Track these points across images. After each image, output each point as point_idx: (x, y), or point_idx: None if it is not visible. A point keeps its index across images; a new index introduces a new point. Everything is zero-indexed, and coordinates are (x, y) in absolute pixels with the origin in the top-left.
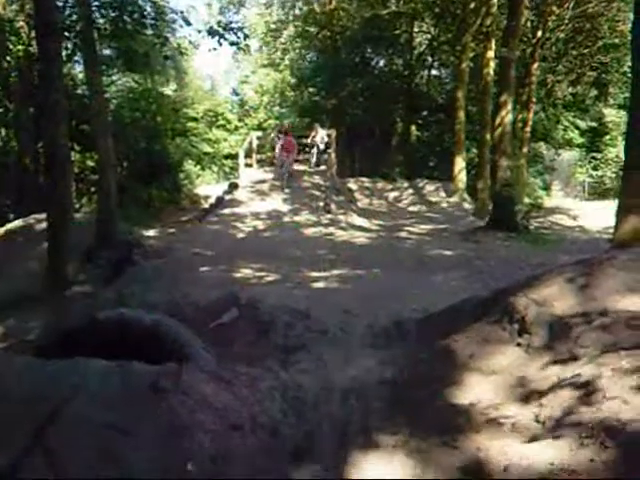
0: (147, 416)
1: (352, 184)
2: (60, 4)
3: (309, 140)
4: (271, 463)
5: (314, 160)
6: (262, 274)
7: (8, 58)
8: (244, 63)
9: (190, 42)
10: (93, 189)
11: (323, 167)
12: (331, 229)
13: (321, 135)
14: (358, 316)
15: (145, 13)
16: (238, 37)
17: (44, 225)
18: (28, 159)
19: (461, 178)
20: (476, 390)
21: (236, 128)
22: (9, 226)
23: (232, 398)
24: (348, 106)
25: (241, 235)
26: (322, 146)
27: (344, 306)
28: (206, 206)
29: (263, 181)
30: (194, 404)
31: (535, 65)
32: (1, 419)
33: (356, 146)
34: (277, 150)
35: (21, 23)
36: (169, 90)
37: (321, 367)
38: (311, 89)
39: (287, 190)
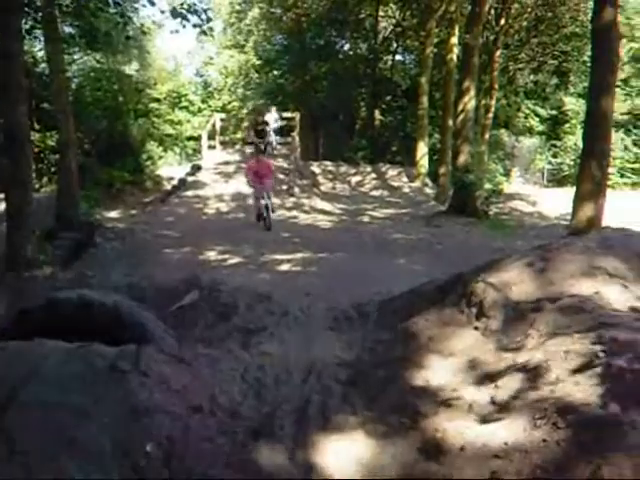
0: (106, 397)
1: (315, 168)
2: None
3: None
4: (231, 444)
5: (264, 146)
6: (225, 256)
7: None
8: (208, 44)
9: (153, 22)
10: (53, 169)
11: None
12: (294, 212)
13: (274, 117)
14: (320, 298)
15: None
16: (201, 19)
17: (4, 205)
18: None
19: (423, 163)
20: (434, 372)
21: (199, 110)
22: None
23: (192, 379)
24: (312, 89)
25: (204, 217)
26: (275, 125)
27: (306, 289)
28: (169, 188)
29: (226, 163)
30: (153, 385)
31: (498, 52)
32: None
33: (320, 130)
34: (250, 176)
35: None
36: (132, 70)
37: (281, 349)
38: (275, 72)
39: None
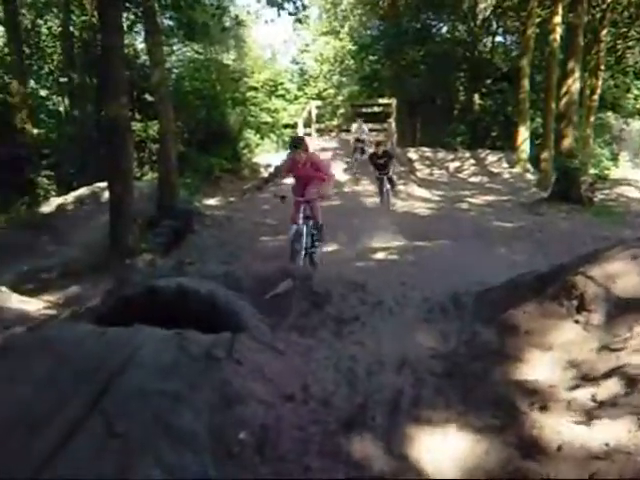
0: (201, 384)
1: (412, 154)
2: None
3: (351, 138)
4: (322, 433)
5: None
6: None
7: (72, 29)
8: (304, 32)
9: (249, 12)
10: (154, 158)
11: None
12: (391, 200)
13: (364, 130)
14: (415, 288)
15: None
16: (297, 7)
17: (107, 194)
18: (91, 128)
19: (524, 148)
20: (532, 367)
21: (296, 97)
22: (77, 193)
23: (285, 368)
24: (409, 74)
25: None
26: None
27: (401, 278)
28: (266, 175)
29: (323, 150)
30: (247, 373)
31: (604, 31)
32: (61, 384)
33: (417, 116)
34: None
35: None
36: (229, 59)
37: (375, 339)
38: (371, 57)
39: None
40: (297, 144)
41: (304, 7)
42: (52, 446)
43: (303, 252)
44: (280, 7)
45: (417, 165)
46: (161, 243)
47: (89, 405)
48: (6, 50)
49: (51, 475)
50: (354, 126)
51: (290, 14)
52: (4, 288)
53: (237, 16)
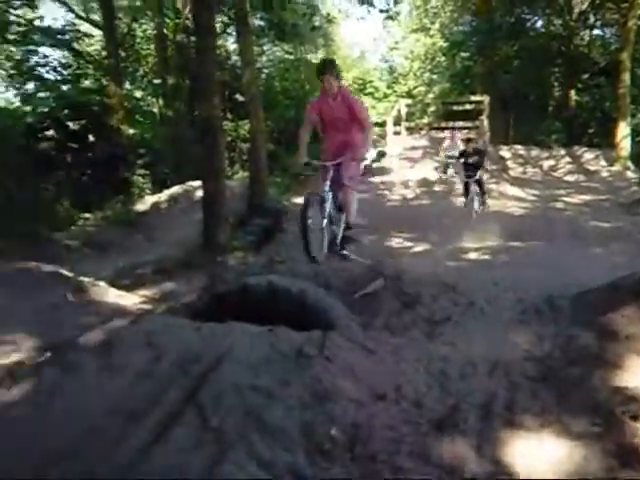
0: (293, 381)
1: (505, 152)
2: None
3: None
4: (414, 434)
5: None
6: (411, 244)
7: (166, 32)
8: (394, 29)
9: (339, 11)
10: (245, 157)
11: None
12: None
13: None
14: (508, 289)
15: None
16: (387, 4)
17: (200, 193)
18: (184, 128)
19: (624, 145)
20: (633, 373)
21: (385, 96)
22: (171, 191)
23: (376, 367)
24: (501, 70)
25: (390, 203)
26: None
27: (494, 278)
28: None
29: (412, 148)
30: (338, 371)
31: None
32: (159, 377)
33: (510, 113)
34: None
35: None
36: (318, 58)
37: (467, 340)
38: (463, 54)
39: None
40: (325, 69)
41: (395, 3)
42: (149, 436)
43: (326, 238)
44: (370, 4)
45: (510, 163)
46: (252, 241)
47: (185, 398)
48: (103, 53)
49: (147, 464)
50: (446, 143)
51: (381, 11)
52: (102, 283)
53: (328, 14)
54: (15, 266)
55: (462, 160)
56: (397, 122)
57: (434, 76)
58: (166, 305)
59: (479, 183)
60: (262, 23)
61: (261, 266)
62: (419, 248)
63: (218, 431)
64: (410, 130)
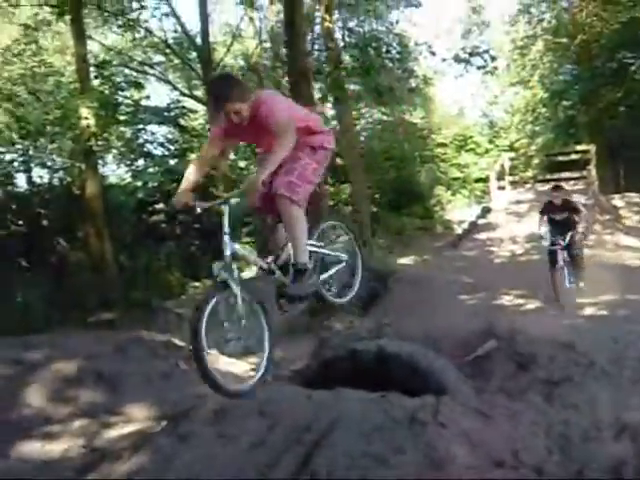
0: (405, 448)
1: (617, 201)
2: (310, 48)
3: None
4: None
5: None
6: (521, 301)
7: None
8: (492, 84)
9: (435, 72)
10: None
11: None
12: (596, 251)
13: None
14: (630, 347)
15: (390, 49)
16: (485, 60)
17: None
18: None
19: None
20: None
21: (486, 151)
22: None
23: (492, 432)
24: (607, 117)
25: (498, 260)
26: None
27: (614, 336)
28: (460, 231)
29: (518, 202)
30: (453, 437)
31: None
32: (274, 444)
33: (619, 160)
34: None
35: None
36: (416, 118)
37: (589, 402)
38: (565, 103)
39: None
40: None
41: (493, 59)
42: None
43: None
44: (467, 63)
45: (624, 212)
46: (358, 304)
47: (300, 465)
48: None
49: None
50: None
51: (479, 68)
52: (213, 351)
53: (424, 76)
54: (128, 335)
55: (545, 217)
56: (501, 177)
57: (536, 128)
58: (279, 372)
59: (572, 256)
60: (358, 88)
61: (368, 330)
62: (531, 306)
63: None
64: (514, 184)
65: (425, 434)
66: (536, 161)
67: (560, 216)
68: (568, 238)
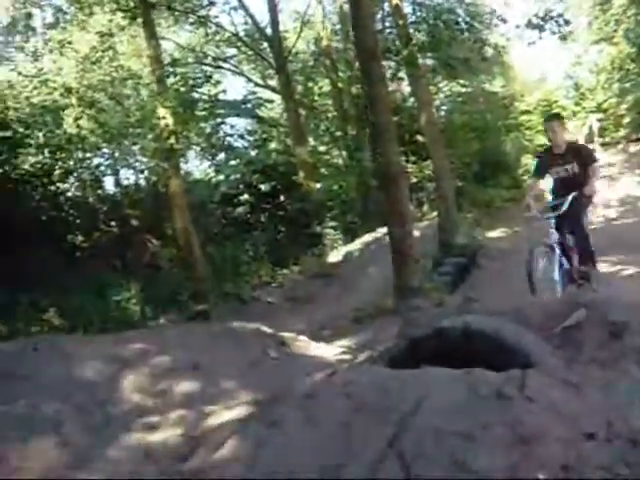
0: (493, 423)
1: None
2: (380, 26)
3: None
4: (632, 475)
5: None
6: (618, 267)
7: (341, 85)
8: (573, 44)
9: (507, 39)
10: (433, 197)
11: None
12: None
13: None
14: None
15: (459, 20)
16: (559, 25)
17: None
18: (369, 177)
19: None
20: None
21: (573, 114)
22: (362, 240)
23: (583, 404)
24: None
25: (592, 226)
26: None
27: None
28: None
29: (609, 165)
30: (541, 411)
31: None
32: (360, 426)
33: None
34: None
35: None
36: (497, 87)
37: None
38: None
39: None
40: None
41: (567, 22)
42: None
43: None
44: (541, 29)
45: None
46: (446, 281)
47: (386, 447)
48: (285, 115)
49: None
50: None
51: (553, 33)
52: (302, 337)
53: (496, 45)
54: (220, 326)
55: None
56: (590, 139)
57: (626, 85)
58: (365, 354)
59: (578, 238)
60: (432, 62)
61: (456, 306)
62: (629, 271)
63: (422, 476)
64: (605, 146)
65: (512, 408)
66: (627, 120)
67: (564, 170)
68: (568, 203)
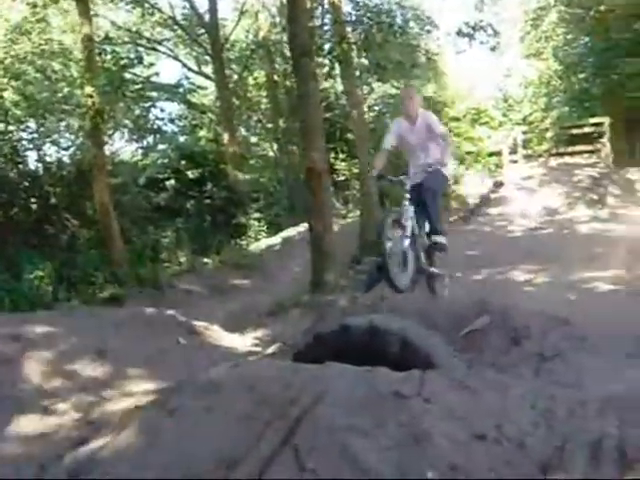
0: (388, 421)
1: (632, 174)
2: (319, 23)
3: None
4: (515, 476)
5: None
6: (529, 276)
7: (276, 77)
8: (505, 57)
9: (439, 46)
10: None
11: None
12: (609, 225)
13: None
14: (627, 323)
15: (393, 23)
16: (489, 35)
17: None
18: (297, 171)
19: None
20: None
21: (500, 124)
22: (285, 234)
23: (477, 406)
24: (622, 89)
25: (510, 235)
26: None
27: (612, 311)
28: (472, 206)
29: (529, 177)
30: (437, 411)
31: None
32: (257, 420)
33: (635, 134)
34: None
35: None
36: (429, 92)
37: (577, 378)
38: (580, 75)
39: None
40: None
41: (495, 33)
42: None
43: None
44: (471, 37)
45: (638, 186)
46: (362, 280)
47: (282, 440)
48: (217, 103)
49: None
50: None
51: (482, 43)
52: (215, 326)
53: (427, 51)
54: (130, 311)
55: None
56: (514, 150)
57: (552, 100)
58: (273, 347)
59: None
60: (365, 62)
61: (368, 305)
62: (539, 280)
63: (313, 472)
64: (528, 158)
65: (408, 408)
66: (550, 134)
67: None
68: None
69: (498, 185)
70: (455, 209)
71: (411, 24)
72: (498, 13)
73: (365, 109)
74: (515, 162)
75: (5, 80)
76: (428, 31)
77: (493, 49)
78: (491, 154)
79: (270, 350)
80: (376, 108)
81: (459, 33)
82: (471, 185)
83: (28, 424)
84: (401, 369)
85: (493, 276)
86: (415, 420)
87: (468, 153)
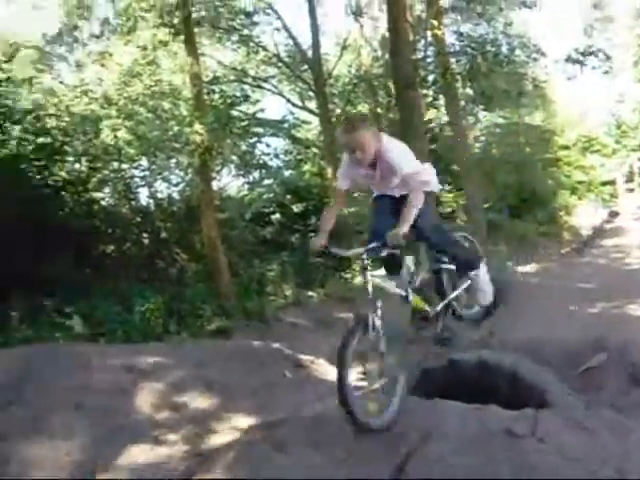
0: (501, 460)
1: None
2: (421, 55)
3: None
4: None
5: None
6: None
7: (379, 110)
8: (617, 82)
9: (546, 73)
10: None
11: None
12: None
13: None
14: None
15: (498, 52)
16: (600, 60)
17: None
18: None
19: None
20: None
21: (614, 152)
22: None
23: (595, 448)
24: None
25: (626, 268)
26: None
27: None
28: (584, 238)
29: None
30: (550, 451)
31: None
32: (368, 454)
33: None
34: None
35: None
36: (537, 120)
37: None
38: None
39: None
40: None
41: (607, 58)
42: None
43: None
44: (581, 63)
45: None
46: (472, 314)
47: (393, 476)
48: (321, 138)
49: None
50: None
51: (593, 68)
52: (321, 360)
53: (534, 79)
54: (238, 344)
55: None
56: (630, 179)
57: None
58: (380, 381)
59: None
60: (470, 92)
61: (473, 340)
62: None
63: None
64: None
65: (521, 447)
66: None
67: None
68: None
69: (613, 215)
70: (567, 241)
71: (517, 52)
72: (610, 39)
73: (471, 139)
74: (631, 191)
75: (119, 121)
76: (535, 59)
77: (606, 72)
78: (605, 183)
79: (376, 385)
80: (482, 138)
81: (568, 59)
82: (584, 215)
83: (139, 454)
84: (512, 406)
85: (609, 310)
86: (528, 459)
87: (579, 182)
